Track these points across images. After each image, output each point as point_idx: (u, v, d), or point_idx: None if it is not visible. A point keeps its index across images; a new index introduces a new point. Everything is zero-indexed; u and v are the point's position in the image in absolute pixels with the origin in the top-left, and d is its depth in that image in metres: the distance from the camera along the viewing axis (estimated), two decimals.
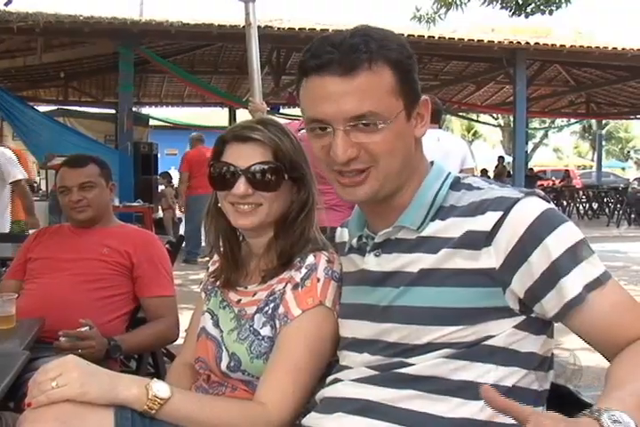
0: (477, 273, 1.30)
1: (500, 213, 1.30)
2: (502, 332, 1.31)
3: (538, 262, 1.27)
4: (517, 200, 1.31)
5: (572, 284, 1.26)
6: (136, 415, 1.41)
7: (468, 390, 1.30)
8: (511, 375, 1.32)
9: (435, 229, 1.38)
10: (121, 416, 1.39)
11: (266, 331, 1.65)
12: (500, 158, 22.46)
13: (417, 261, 1.38)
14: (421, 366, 1.33)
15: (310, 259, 1.65)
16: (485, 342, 1.31)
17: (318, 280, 1.61)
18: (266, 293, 1.70)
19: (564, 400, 1.43)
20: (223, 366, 1.68)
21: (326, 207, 1.92)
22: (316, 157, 1.43)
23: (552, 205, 1.34)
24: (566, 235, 1.30)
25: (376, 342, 1.42)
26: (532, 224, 1.28)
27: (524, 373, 1.33)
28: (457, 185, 1.43)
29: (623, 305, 1.29)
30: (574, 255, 1.28)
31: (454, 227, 1.35)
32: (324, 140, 1.36)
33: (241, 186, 1.65)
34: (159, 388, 1.42)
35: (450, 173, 1.47)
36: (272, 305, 1.66)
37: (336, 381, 1.48)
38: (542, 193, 1.36)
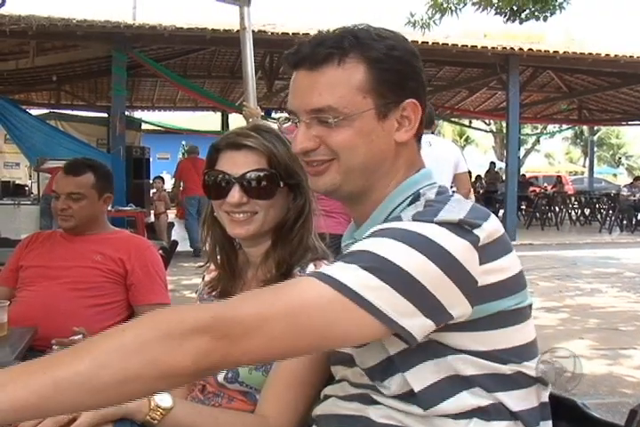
0: None
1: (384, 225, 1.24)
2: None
3: None
4: (413, 219, 1.21)
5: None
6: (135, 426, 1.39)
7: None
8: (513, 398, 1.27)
9: None
10: None
11: None
12: (492, 164, 22.42)
13: None
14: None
15: (311, 268, 1.63)
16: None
17: None
18: None
19: (570, 414, 1.40)
20: (220, 377, 1.65)
21: (323, 214, 1.89)
22: None
23: (446, 239, 1.15)
24: (375, 244, 1.16)
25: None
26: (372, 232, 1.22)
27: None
28: (416, 201, 1.33)
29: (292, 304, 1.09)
30: (348, 256, 1.16)
31: None
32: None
33: (235, 194, 1.63)
34: (161, 398, 1.39)
35: (421, 188, 1.37)
36: None
37: (326, 397, 1.44)
38: (469, 223, 1.18)
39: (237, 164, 1.65)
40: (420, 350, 1.21)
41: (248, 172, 1.63)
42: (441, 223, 1.18)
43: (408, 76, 1.34)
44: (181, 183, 12.19)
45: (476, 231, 1.18)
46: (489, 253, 1.19)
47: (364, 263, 1.12)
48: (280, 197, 1.68)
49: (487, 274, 1.18)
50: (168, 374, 1.00)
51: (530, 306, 1.30)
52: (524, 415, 1.26)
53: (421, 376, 1.23)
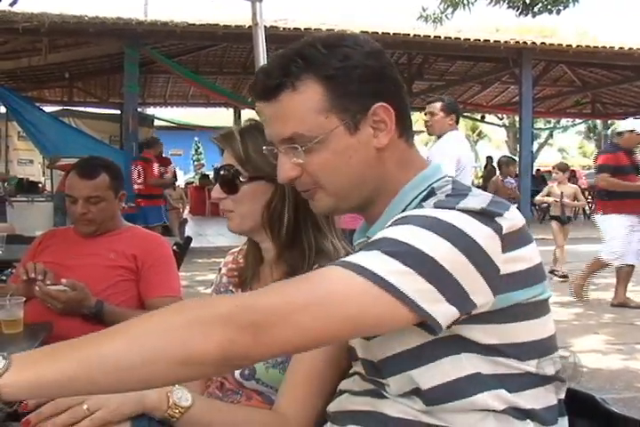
0: None
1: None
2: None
3: None
4: (435, 206, 1.21)
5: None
6: (154, 423, 1.40)
7: None
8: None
9: None
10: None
11: None
12: (489, 158, 20.93)
13: None
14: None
15: None
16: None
17: None
18: None
19: (588, 409, 1.39)
20: (237, 373, 1.65)
21: None
22: None
23: (469, 226, 1.14)
24: (397, 231, 1.15)
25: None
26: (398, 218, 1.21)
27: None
28: (429, 197, 1.30)
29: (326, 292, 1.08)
30: (369, 245, 1.16)
31: None
32: None
33: (214, 190, 1.72)
34: (180, 395, 1.39)
35: (434, 183, 1.34)
36: None
37: (340, 393, 1.44)
38: (491, 212, 1.17)
39: (221, 162, 1.73)
40: (438, 345, 1.20)
41: (220, 168, 1.71)
42: (463, 210, 1.17)
43: (370, 81, 1.28)
44: None
45: (498, 220, 1.17)
46: (511, 241, 1.18)
47: (386, 248, 1.11)
48: (249, 191, 1.68)
49: (509, 263, 1.17)
50: (193, 360, 1.01)
51: (548, 299, 1.28)
52: (540, 414, 1.25)
53: (430, 375, 1.22)
